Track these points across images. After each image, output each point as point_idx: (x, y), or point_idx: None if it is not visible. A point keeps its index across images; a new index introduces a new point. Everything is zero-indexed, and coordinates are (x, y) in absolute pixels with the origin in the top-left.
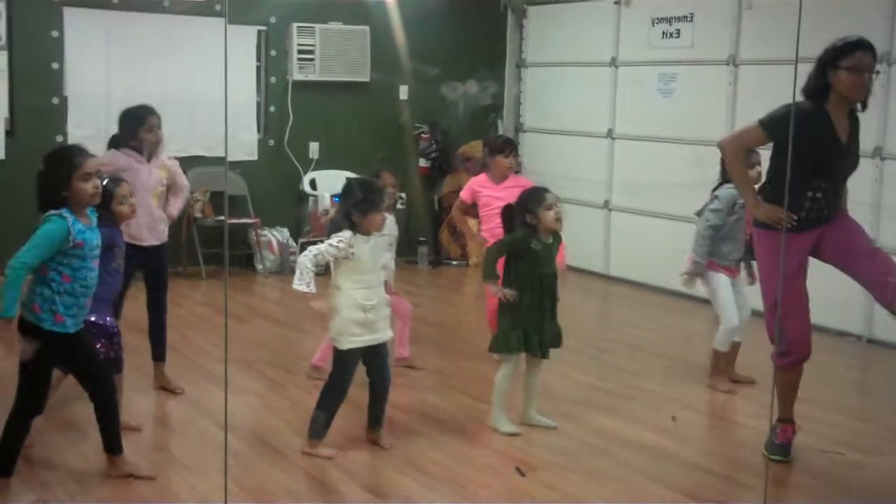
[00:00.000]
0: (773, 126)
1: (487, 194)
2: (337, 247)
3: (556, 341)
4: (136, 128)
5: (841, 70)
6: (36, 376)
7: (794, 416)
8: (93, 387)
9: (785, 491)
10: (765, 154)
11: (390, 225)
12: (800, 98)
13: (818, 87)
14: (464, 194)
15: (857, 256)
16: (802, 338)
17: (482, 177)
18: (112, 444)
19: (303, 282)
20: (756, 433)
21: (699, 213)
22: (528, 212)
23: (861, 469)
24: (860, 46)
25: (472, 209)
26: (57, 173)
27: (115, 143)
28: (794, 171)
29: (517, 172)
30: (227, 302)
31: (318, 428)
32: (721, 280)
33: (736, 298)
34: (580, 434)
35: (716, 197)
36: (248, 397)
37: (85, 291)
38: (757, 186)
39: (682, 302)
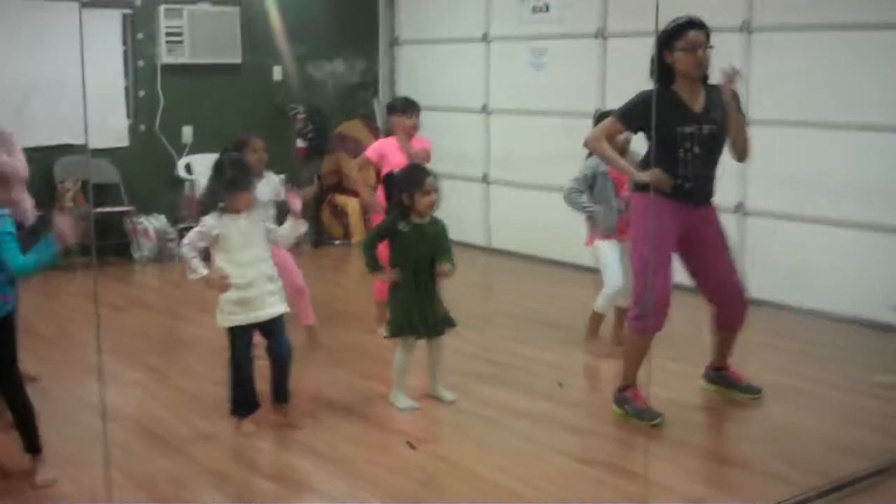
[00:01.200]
0: (629, 115)
1: (400, 158)
2: (200, 232)
3: (448, 322)
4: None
5: (677, 51)
6: None
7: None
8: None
9: (667, 447)
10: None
11: (270, 185)
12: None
13: (661, 69)
14: (369, 152)
15: (712, 274)
16: (663, 303)
17: (390, 140)
18: (31, 445)
19: (194, 271)
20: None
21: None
22: (404, 191)
23: (741, 422)
24: (692, 25)
25: (368, 171)
26: None
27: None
28: (660, 151)
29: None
30: (96, 290)
31: (234, 404)
32: (605, 245)
33: (623, 263)
34: (469, 405)
35: (581, 170)
36: (130, 387)
37: None
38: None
39: (564, 271)
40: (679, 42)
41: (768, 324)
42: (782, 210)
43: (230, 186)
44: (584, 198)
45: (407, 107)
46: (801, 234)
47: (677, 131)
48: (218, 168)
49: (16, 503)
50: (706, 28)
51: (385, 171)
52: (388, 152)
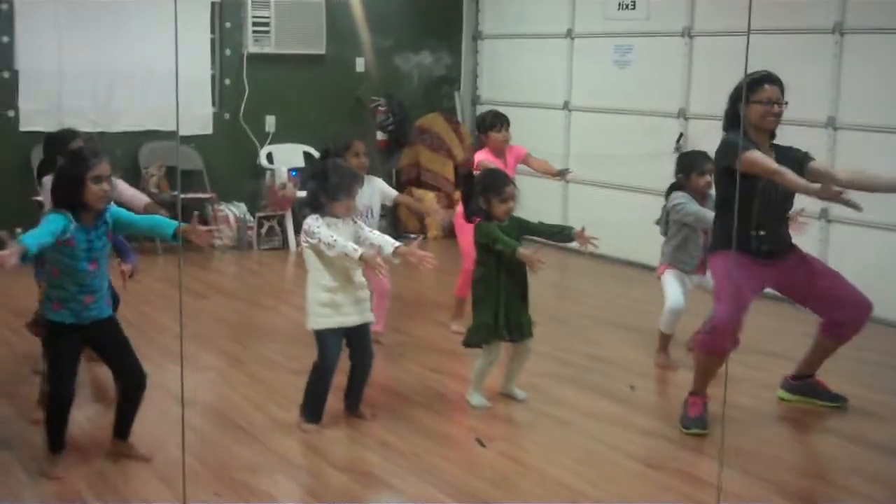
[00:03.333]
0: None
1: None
2: (328, 241)
3: (528, 329)
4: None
5: (752, 104)
6: (54, 365)
7: (705, 390)
8: (119, 373)
9: (741, 456)
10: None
11: (374, 189)
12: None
13: (734, 121)
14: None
15: (827, 298)
16: (733, 322)
17: (485, 151)
18: (123, 430)
19: (350, 250)
20: (714, 403)
21: (658, 222)
22: (482, 195)
23: (819, 434)
24: (768, 80)
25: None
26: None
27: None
28: (738, 205)
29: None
30: (181, 276)
31: (307, 408)
32: (671, 272)
33: (683, 284)
34: (540, 405)
35: (675, 197)
36: (207, 373)
37: (80, 290)
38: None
39: (640, 273)
40: (755, 95)
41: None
42: (868, 218)
43: (333, 193)
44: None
45: (497, 121)
46: (884, 243)
47: (758, 185)
48: (321, 173)
49: (94, 481)
50: (781, 84)
51: None
52: (491, 163)
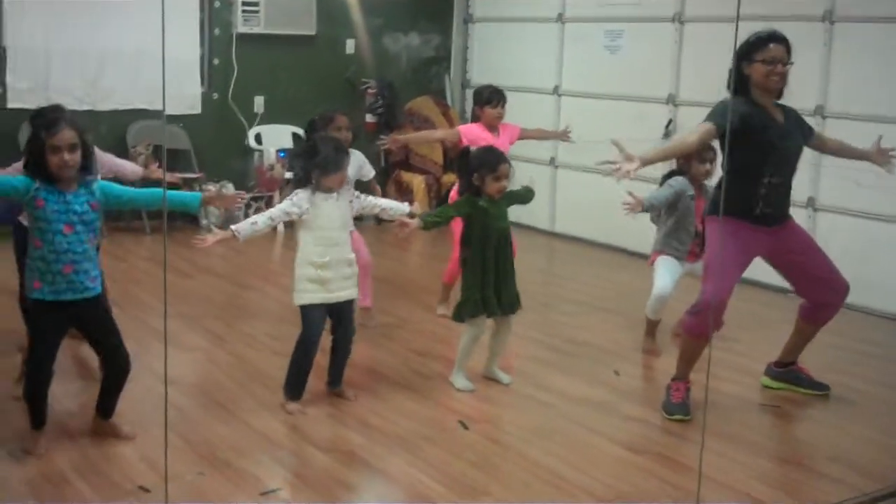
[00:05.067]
0: (723, 118)
1: (487, 141)
2: (290, 210)
3: (518, 301)
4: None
5: (756, 62)
6: (34, 344)
7: (688, 376)
8: (104, 354)
9: (722, 442)
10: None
11: (354, 162)
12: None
13: (738, 81)
14: (463, 129)
15: (809, 277)
16: (719, 306)
17: (476, 126)
18: (107, 410)
19: (239, 226)
20: (697, 388)
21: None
22: (476, 172)
23: (797, 420)
24: (773, 39)
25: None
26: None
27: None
28: (744, 165)
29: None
30: (166, 255)
31: (289, 385)
32: (664, 258)
33: (673, 275)
34: (525, 389)
35: (669, 185)
36: (191, 353)
37: (57, 258)
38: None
39: (627, 258)
40: (759, 54)
41: (834, 323)
42: (854, 207)
43: (323, 166)
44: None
45: (493, 96)
46: (870, 231)
47: (769, 141)
48: (311, 147)
49: (76, 460)
50: (788, 43)
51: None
52: (479, 138)
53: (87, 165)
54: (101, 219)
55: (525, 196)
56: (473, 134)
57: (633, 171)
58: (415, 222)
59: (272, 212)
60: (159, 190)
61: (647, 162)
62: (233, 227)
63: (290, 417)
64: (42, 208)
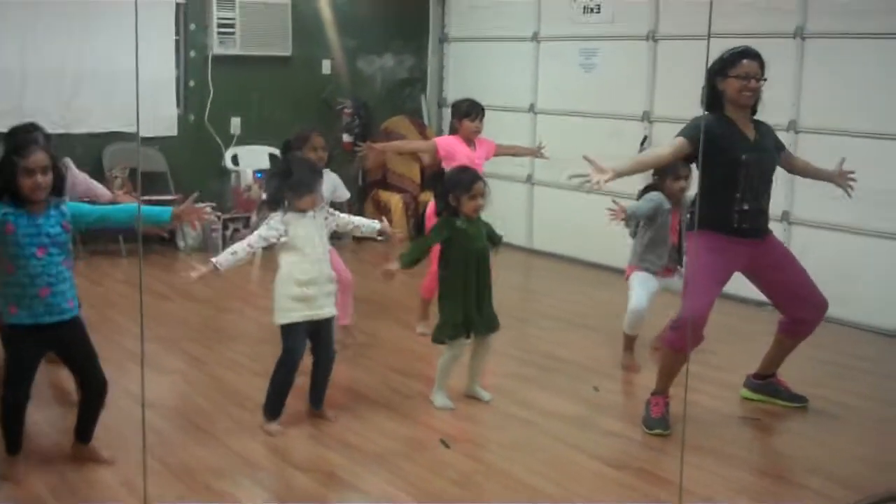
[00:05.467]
0: (695, 132)
1: (466, 157)
2: (268, 235)
3: (496, 321)
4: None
5: (729, 78)
6: (10, 368)
7: (667, 390)
8: (81, 377)
9: (702, 456)
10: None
11: (328, 183)
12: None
13: (712, 97)
14: (440, 141)
15: (788, 292)
16: (699, 320)
17: (454, 138)
18: (85, 433)
19: (219, 259)
20: (676, 402)
21: (627, 224)
22: (451, 192)
23: (776, 433)
24: (746, 55)
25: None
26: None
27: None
28: (717, 181)
29: None
30: (141, 276)
31: (269, 405)
32: (640, 273)
33: (649, 286)
34: (505, 406)
35: (648, 199)
36: (169, 375)
37: (32, 281)
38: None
39: (605, 274)
40: (732, 70)
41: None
42: (829, 220)
43: (297, 188)
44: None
45: (471, 109)
46: (846, 245)
47: (737, 157)
48: (283, 168)
49: (55, 484)
50: (761, 59)
51: (445, 166)
52: (456, 151)
53: (58, 187)
54: (71, 240)
55: (495, 237)
56: (450, 146)
57: (605, 182)
58: (394, 265)
59: (250, 239)
60: (129, 205)
61: (620, 173)
62: (213, 259)
63: (269, 438)
64: (13, 233)
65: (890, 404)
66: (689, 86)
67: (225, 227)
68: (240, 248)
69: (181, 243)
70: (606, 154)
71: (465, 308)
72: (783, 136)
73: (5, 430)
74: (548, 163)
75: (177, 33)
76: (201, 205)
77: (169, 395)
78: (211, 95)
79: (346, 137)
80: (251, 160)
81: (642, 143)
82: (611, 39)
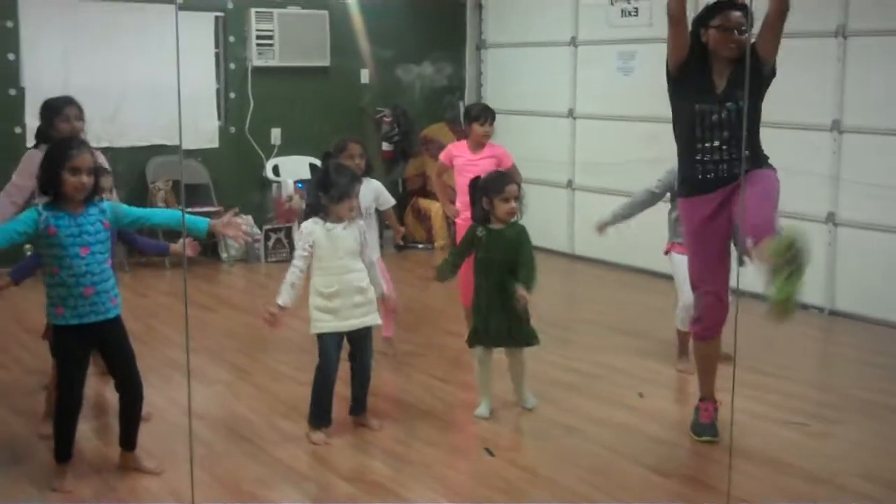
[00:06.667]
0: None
1: (465, 160)
2: (305, 250)
3: (528, 338)
4: (52, 118)
5: (711, 28)
6: (62, 371)
7: (714, 393)
8: (119, 379)
9: (751, 462)
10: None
11: (370, 191)
12: None
13: (696, 48)
14: (442, 156)
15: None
16: (713, 305)
17: (462, 143)
18: (129, 439)
19: (283, 299)
20: (723, 409)
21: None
22: (485, 196)
23: (825, 438)
24: (729, 5)
25: (449, 175)
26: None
27: (41, 137)
28: (681, 136)
29: None
30: (186, 288)
31: (312, 414)
32: (680, 260)
33: None
34: (549, 413)
35: (671, 170)
36: (215, 386)
37: (77, 281)
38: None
39: (648, 279)
40: (715, 20)
41: (857, 338)
42: (874, 220)
43: (335, 195)
44: (629, 212)
45: (481, 114)
46: (893, 246)
47: (693, 109)
48: (322, 175)
49: (104, 494)
50: (746, 9)
51: (456, 172)
52: (457, 155)
53: (97, 187)
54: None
55: (522, 275)
56: (450, 152)
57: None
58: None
59: (296, 263)
60: (170, 210)
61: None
62: (279, 301)
63: (314, 448)
64: (55, 235)
65: None
66: None
67: (267, 238)
68: (293, 277)
69: (224, 254)
70: (647, 158)
71: (487, 317)
72: (827, 137)
73: (58, 433)
74: (588, 167)
75: (216, 46)
76: (241, 219)
77: (215, 406)
78: (251, 107)
79: (385, 146)
80: (292, 170)
81: None
82: (649, 42)
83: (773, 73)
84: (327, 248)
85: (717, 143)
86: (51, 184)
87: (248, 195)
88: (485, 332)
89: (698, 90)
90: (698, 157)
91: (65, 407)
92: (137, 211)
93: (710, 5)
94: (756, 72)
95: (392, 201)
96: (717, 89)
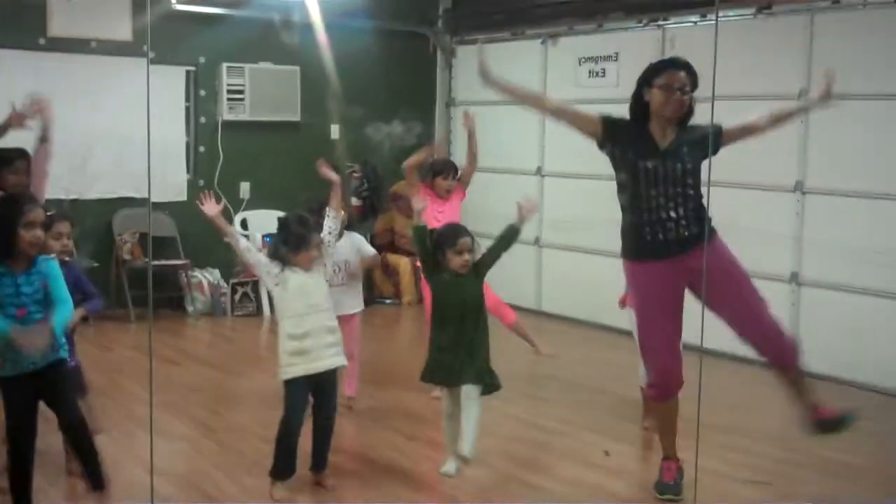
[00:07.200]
0: (610, 120)
1: (432, 207)
2: (265, 264)
3: (489, 385)
4: (1, 169)
5: (654, 88)
6: (8, 420)
7: (675, 452)
8: (59, 414)
9: None
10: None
11: (351, 244)
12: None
13: (638, 106)
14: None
15: (741, 315)
16: (666, 370)
17: (428, 193)
18: (96, 479)
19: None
20: (687, 466)
21: None
22: (439, 249)
23: (788, 497)
24: (672, 65)
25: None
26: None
27: None
28: (627, 196)
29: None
30: (151, 343)
31: (275, 466)
32: None
33: None
34: (512, 469)
35: None
36: (177, 441)
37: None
38: None
39: (614, 336)
40: (658, 79)
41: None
42: (838, 281)
43: (294, 244)
44: None
45: (444, 168)
46: (857, 306)
47: (637, 166)
48: (282, 225)
49: None
50: (691, 70)
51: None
52: (427, 198)
53: (45, 243)
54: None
55: (507, 238)
56: (426, 195)
57: None
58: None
59: (251, 246)
60: (66, 310)
61: None
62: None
63: None
64: None
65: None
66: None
67: (234, 291)
68: (242, 240)
69: (190, 308)
70: (614, 217)
71: (442, 354)
72: (789, 197)
73: (13, 487)
74: (555, 224)
75: (187, 100)
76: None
77: (177, 462)
78: (221, 161)
79: (355, 201)
80: (260, 224)
81: None
82: (616, 103)
83: (718, 150)
84: (297, 289)
85: (662, 201)
86: (2, 241)
87: (215, 248)
88: (438, 369)
89: (639, 149)
90: (645, 217)
91: (16, 458)
92: (55, 295)
93: (653, 64)
94: (705, 141)
95: (372, 251)
96: (659, 147)
